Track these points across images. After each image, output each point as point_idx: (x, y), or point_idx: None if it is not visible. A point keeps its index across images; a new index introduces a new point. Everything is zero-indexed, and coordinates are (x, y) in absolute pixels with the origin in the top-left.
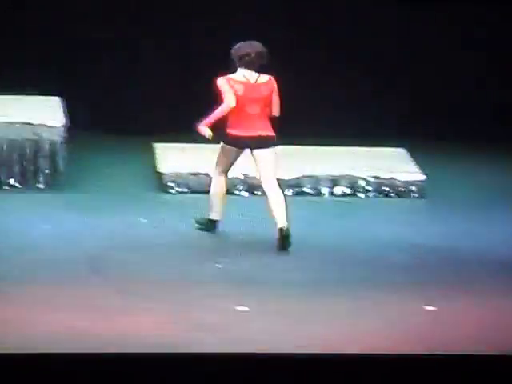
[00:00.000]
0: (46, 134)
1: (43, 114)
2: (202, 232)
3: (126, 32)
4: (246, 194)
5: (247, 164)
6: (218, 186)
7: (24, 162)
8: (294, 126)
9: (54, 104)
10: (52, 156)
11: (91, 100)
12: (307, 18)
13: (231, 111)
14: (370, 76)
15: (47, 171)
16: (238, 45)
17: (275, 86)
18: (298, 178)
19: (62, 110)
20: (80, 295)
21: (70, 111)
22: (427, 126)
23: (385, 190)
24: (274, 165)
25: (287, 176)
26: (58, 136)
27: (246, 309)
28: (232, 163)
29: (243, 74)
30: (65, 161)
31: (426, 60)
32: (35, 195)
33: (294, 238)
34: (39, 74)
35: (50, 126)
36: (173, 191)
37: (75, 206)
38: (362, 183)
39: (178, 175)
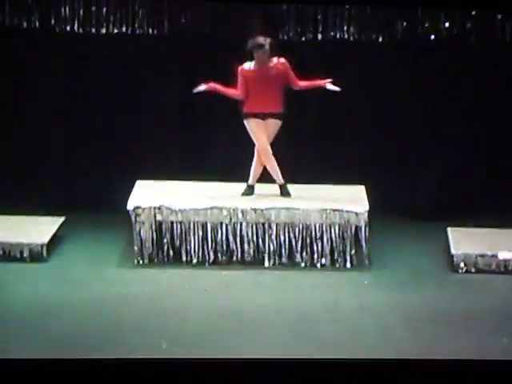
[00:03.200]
0: (352, 219)
1: (349, 201)
2: (479, 308)
3: None
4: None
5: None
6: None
7: (333, 244)
8: None
9: (358, 192)
10: (357, 238)
11: (386, 190)
12: None
13: None
14: None
15: (353, 252)
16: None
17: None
18: None
19: (364, 197)
20: None
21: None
22: None
23: None
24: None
25: None
26: (362, 220)
27: None
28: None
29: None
30: (367, 242)
31: None
32: (343, 273)
33: None
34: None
35: (356, 212)
36: (461, 271)
37: (378, 283)
38: None
39: (467, 256)
